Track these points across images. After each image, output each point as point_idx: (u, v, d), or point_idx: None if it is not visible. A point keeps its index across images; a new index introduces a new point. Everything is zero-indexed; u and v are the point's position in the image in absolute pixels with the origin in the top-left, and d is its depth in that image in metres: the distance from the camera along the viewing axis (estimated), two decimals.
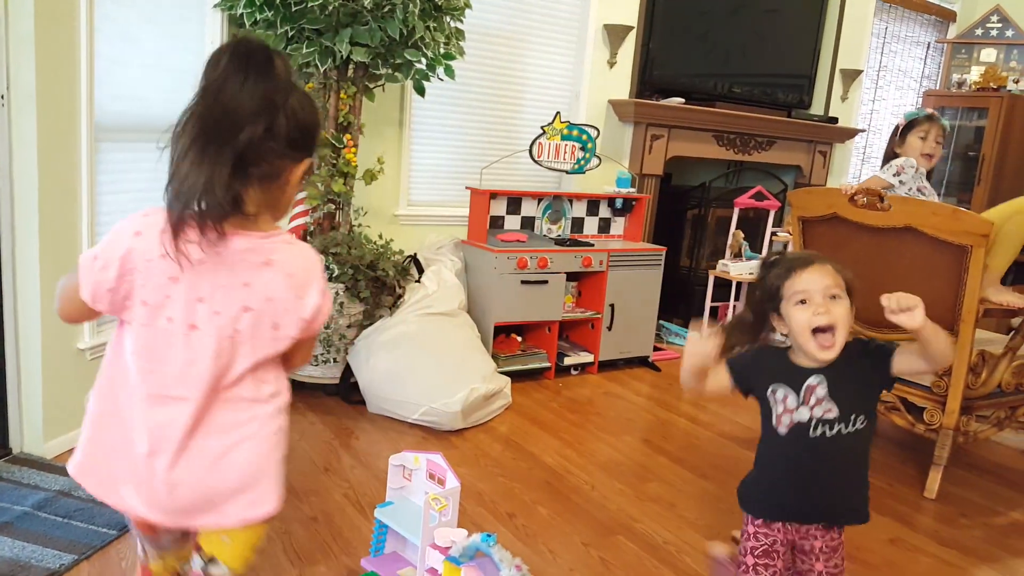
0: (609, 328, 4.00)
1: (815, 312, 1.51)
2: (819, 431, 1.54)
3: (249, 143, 1.17)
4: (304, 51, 2.96)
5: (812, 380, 1.55)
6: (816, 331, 1.52)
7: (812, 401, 1.54)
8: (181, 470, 1.24)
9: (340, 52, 2.94)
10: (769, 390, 1.59)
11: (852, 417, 1.53)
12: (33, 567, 1.96)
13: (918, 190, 3.17)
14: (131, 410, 1.26)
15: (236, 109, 1.18)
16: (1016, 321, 3.01)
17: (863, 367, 1.56)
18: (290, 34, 2.96)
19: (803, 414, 1.55)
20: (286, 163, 1.24)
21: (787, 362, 1.59)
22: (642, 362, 4.22)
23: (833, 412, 1.53)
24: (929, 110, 3.27)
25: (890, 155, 3.31)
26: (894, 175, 3.15)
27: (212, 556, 1.34)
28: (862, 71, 5.72)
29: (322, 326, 1.38)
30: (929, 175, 3.30)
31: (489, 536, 1.70)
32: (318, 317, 1.31)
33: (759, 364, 1.63)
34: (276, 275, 1.25)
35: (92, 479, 1.31)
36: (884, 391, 1.59)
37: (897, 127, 3.31)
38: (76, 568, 1.99)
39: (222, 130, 1.17)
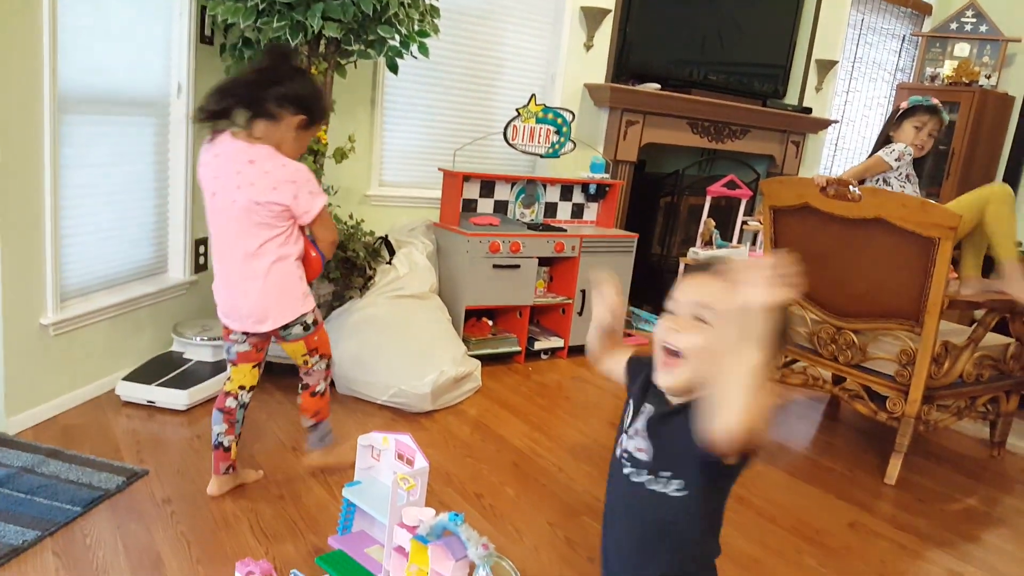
0: (580, 313, 4.02)
1: (667, 326, 1.18)
2: (626, 469, 1.24)
3: (263, 96, 2.05)
4: (275, 25, 2.91)
5: (646, 405, 1.25)
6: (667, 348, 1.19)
7: (632, 431, 1.26)
8: (232, 294, 2.18)
9: (312, 27, 2.90)
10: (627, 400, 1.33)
11: (661, 473, 1.19)
12: None
13: (906, 177, 3.22)
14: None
15: (259, 79, 2.06)
16: (979, 313, 3.06)
17: (689, 424, 1.13)
18: (260, 7, 2.91)
19: (623, 441, 1.27)
20: (285, 112, 2.08)
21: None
22: None
23: (645, 454, 1.22)
24: (934, 101, 3.25)
25: (884, 136, 3.32)
26: (896, 159, 3.17)
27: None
28: (837, 62, 5.76)
29: (311, 218, 2.12)
30: (923, 161, 3.30)
31: (456, 515, 1.71)
32: (296, 209, 2.10)
33: (643, 368, 1.31)
34: (256, 170, 2.05)
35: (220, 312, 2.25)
36: (717, 469, 1.12)
37: (897, 109, 3.31)
38: (40, 544, 1.97)
39: (251, 89, 2.06)
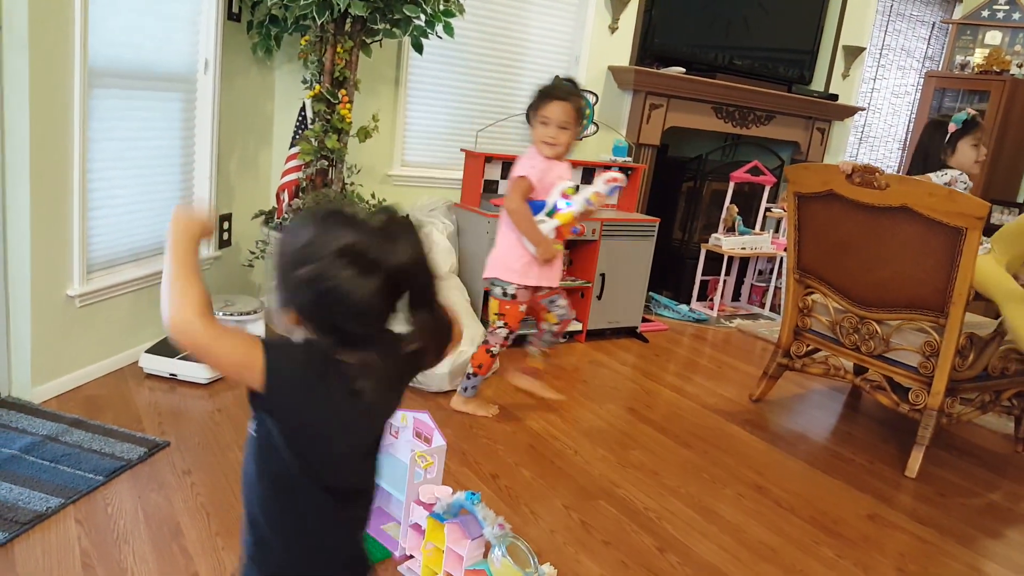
0: (599, 298, 4.01)
1: None
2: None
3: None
4: (302, 3, 2.91)
5: None
6: None
7: None
8: None
9: (338, 5, 2.90)
10: None
11: (251, 413, 1.08)
12: (20, 509, 1.97)
13: None
14: None
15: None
16: None
17: None
18: None
19: None
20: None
21: None
22: (630, 333, 4.23)
23: None
24: (973, 112, 3.05)
25: (934, 158, 3.07)
26: (946, 184, 2.94)
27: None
28: (865, 48, 5.68)
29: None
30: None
31: (473, 495, 1.72)
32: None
33: None
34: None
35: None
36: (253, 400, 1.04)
37: (942, 126, 3.07)
38: (63, 511, 2.00)
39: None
